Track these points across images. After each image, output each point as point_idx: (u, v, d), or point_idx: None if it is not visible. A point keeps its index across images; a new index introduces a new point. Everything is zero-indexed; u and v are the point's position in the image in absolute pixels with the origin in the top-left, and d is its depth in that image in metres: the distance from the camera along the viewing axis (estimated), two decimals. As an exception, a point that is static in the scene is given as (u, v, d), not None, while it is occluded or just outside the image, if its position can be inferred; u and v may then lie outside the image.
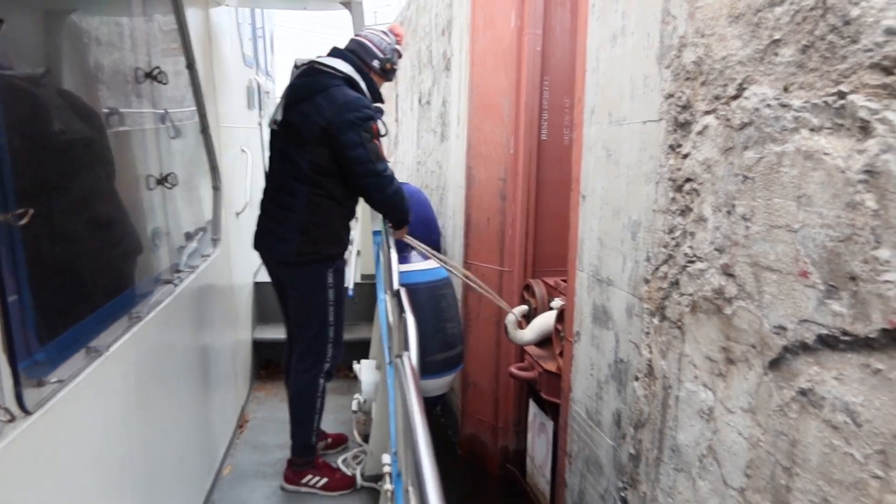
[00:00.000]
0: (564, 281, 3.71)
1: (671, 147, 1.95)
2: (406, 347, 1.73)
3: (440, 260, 4.16)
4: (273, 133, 3.16)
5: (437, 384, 4.14)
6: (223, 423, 3.89)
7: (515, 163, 4.05)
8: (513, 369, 3.67)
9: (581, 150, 2.61)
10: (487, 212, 4.24)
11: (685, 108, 1.88)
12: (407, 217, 3.36)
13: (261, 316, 5.53)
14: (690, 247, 1.86)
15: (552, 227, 4.15)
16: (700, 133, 1.81)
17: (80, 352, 1.82)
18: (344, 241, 3.18)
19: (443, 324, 4.05)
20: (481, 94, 4.21)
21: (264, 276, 5.52)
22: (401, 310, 2.06)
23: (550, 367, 3.49)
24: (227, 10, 4.90)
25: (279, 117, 3.07)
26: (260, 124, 6.50)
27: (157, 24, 3.00)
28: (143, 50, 2.71)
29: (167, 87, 2.89)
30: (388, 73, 3.28)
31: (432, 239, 4.93)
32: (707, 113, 1.78)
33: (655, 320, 2.05)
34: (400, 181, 4.99)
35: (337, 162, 2.96)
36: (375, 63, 3.19)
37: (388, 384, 3.17)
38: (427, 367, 3.99)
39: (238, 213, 4.61)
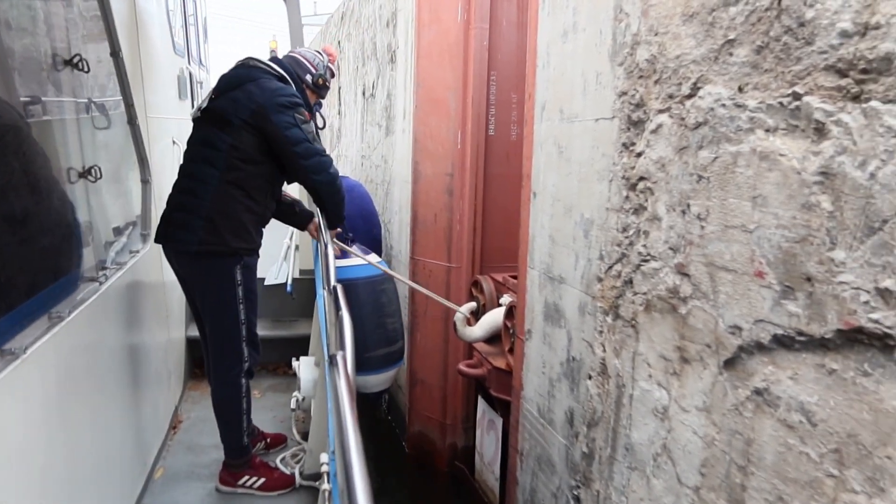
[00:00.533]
0: (513, 277, 3.71)
1: (624, 145, 1.94)
2: (341, 347, 1.68)
3: (375, 265, 4.10)
4: (195, 122, 3.05)
5: (379, 380, 4.10)
6: (155, 424, 3.78)
7: (463, 158, 4.01)
8: (462, 367, 3.65)
9: (532, 147, 2.59)
10: (434, 207, 4.19)
11: (638, 106, 1.87)
12: (342, 213, 3.27)
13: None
14: (644, 245, 1.86)
15: (500, 222, 4.14)
16: (654, 132, 1.80)
17: None
18: (253, 239, 3.07)
19: (383, 319, 4.00)
20: (427, 89, 4.14)
21: None
22: (337, 307, 2.00)
23: (500, 363, 3.47)
24: None
25: (203, 105, 2.99)
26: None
27: (78, 9, 2.85)
28: (61, 36, 2.56)
29: (91, 75, 2.76)
30: (320, 88, 3.33)
31: (373, 233, 4.86)
32: (661, 112, 1.78)
33: (609, 319, 2.05)
34: (341, 175, 4.86)
35: (264, 151, 2.90)
36: (308, 77, 3.25)
37: (326, 381, 3.01)
38: (368, 363, 3.94)
39: None
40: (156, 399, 3.80)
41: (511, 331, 3.33)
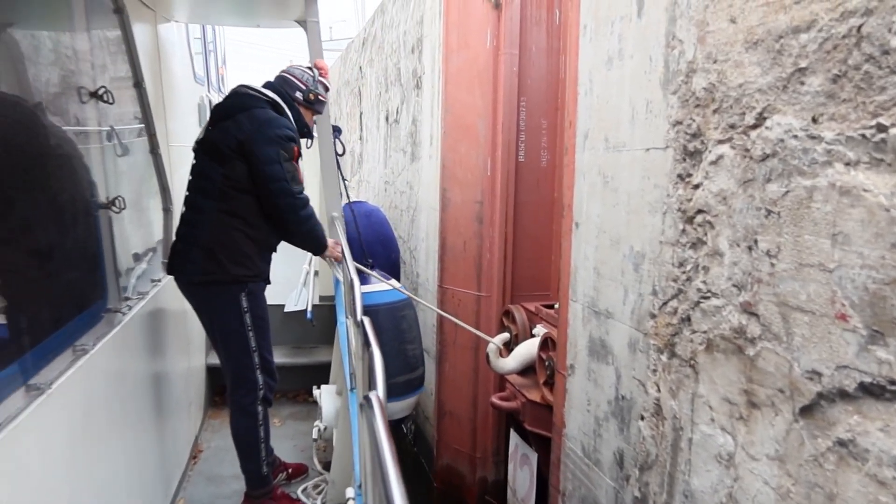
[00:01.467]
0: (546, 307, 3.62)
1: (680, 176, 1.86)
2: (373, 385, 1.64)
3: (403, 291, 4.08)
4: (193, 154, 3.10)
5: (400, 406, 4.04)
6: (175, 454, 3.76)
7: (493, 185, 3.95)
8: (494, 399, 3.54)
9: (573, 176, 2.51)
10: (464, 235, 4.11)
11: (695, 136, 1.79)
12: (322, 246, 3.30)
13: None
14: (704, 282, 1.77)
15: (530, 250, 4.06)
16: (714, 163, 1.72)
17: (18, 390, 1.71)
18: (256, 265, 3.06)
19: (404, 345, 3.96)
20: (456, 115, 4.10)
21: None
22: (366, 343, 1.95)
23: (534, 396, 3.37)
24: (177, 26, 4.86)
25: (201, 137, 3.07)
26: None
27: (101, 41, 2.90)
28: (87, 68, 2.59)
29: (114, 106, 2.79)
30: (313, 104, 3.29)
31: (391, 259, 4.83)
32: (721, 142, 1.70)
33: (664, 357, 1.95)
34: (358, 200, 4.82)
35: (252, 179, 2.91)
36: (299, 95, 3.22)
37: (350, 412, 3.11)
38: (389, 390, 3.84)
39: None
40: (176, 429, 3.79)
41: (547, 363, 3.23)
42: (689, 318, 1.83)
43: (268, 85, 3.19)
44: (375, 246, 4.55)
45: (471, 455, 4.22)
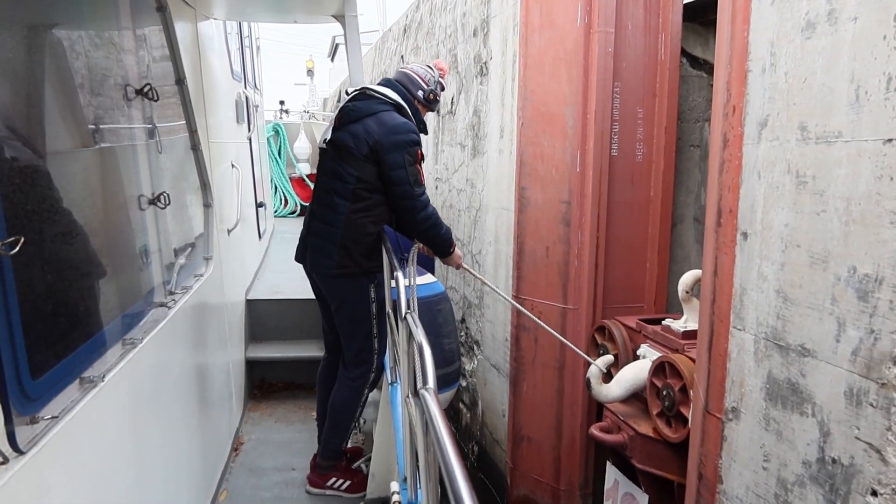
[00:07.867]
0: (649, 322, 3.13)
1: (959, 176, 1.36)
2: (425, 380, 1.63)
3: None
4: (322, 152, 3.30)
5: None
6: (218, 446, 3.79)
7: (582, 183, 3.46)
8: (595, 432, 3.06)
9: (739, 174, 2.02)
10: (546, 240, 3.63)
11: None
12: (446, 246, 3.39)
13: (253, 334, 5.41)
14: None
15: (623, 257, 3.59)
16: None
17: (73, 383, 1.76)
18: (382, 256, 3.26)
19: (440, 339, 3.90)
20: (537, 103, 3.61)
21: (257, 294, 5.46)
22: (411, 336, 1.97)
23: (645, 430, 2.90)
24: (216, 23, 4.80)
25: (328, 136, 3.23)
26: (249, 139, 6.24)
27: (145, 39, 2.85)
28: (133, 66, 2.59)
29: (157, 103, 2.80)
30: (430, 103, 3.45)
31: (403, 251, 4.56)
32: None
33: (921, 419, 1.46)
34: None
35: (381, 179, 3.13)
36: (420, 93, 3.37)
37: (392, 405, 3.20)
38: None
39: (230, 230, 4.47)
40: (218, 421, 3.86)
41: (665, 392, 2.75)
42: (975, 371, 1.34)
43: (386, 82, 3.31)
44: (407, 240, 4.30)
45: (553, 487, 3.75)
